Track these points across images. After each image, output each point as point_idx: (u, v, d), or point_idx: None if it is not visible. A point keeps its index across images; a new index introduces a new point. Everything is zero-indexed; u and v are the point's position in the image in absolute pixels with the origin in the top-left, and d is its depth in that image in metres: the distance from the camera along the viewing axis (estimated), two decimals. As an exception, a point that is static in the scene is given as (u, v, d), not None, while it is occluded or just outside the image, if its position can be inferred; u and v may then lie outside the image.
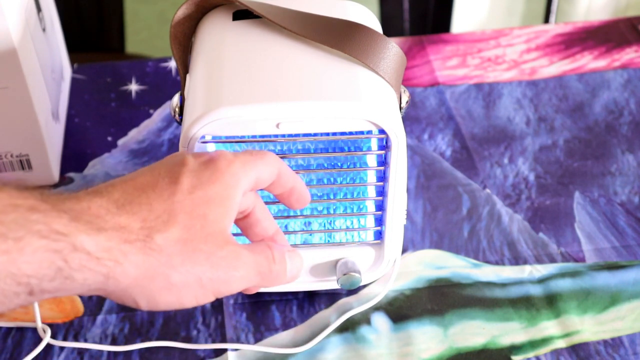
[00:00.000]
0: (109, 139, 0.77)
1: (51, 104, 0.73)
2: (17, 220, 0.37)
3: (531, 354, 0.59)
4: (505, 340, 0.60)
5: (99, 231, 0.39)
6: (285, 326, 0.61)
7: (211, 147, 0.52)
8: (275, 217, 0.57)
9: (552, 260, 0.66)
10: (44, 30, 0.74)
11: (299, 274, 0.48)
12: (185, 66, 0.60)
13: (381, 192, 0.57)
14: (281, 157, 0.54)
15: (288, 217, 0.57)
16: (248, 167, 0.45)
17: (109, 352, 0.59)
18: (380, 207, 0.57)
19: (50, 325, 0.61)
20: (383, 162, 0.55)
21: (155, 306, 0.42)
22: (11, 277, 0.37)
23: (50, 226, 0.38)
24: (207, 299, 0.43)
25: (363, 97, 0.51)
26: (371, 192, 0.57)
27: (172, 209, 0.42)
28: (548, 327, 0.60)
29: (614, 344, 0.59)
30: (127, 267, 0.40)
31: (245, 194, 0.46)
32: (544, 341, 0.60)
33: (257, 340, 0.60)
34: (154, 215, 0.41)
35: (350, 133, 0.53)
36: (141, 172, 0.44)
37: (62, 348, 0.59)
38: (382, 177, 0.56)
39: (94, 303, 0.63)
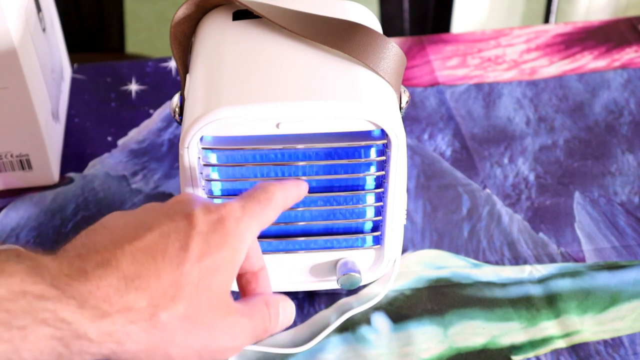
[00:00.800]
0: (109, 139, 0.77)
1: (51, 104, 0.73)
2: (24, 309, 0.38)
3: (531, 354, 0.59)
4: (505, 340, 0.60)
5: (104, 317, 0.39)
6: (285, 326, 0.61)
7: (213, 158, 0.52)
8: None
9: (552, 260, 0.66)
10: (44, 30, 0.74)
11: (290, 322, 0.50)
12: (185, 66, 0.60)
13: (381, 192, 0.56)
14: (282, 156, 0.54)
15: (288, 222, 0.57)
16: (254, 222, 0.46)
17: (109, 352, 0.59)
18: (380, 207, 0.57)
19: (50, 325, 0.60)
20: (383, 162, 0.55)
21: None
22: None
23: (57, 314, 0.38)
24: None
25: (363, 97, 0.51)
26: (371, 193, 0.57)
27: (179, 281, 0.41)
28: (548, 327, 0.60)
29: (614, 344, 0.59)
30: (129, 347, 0.41)
31: (248, 246, 0.46)
32: (544, 341, 0.60)
33: (257, 340, 0.60)
34: (161, 290, 0.41)
35: (350, 133, 0.53)
36: (148, 227, 0.43)
37: (62, 348, 0.59)
38: (382, 177, 0.56)
39: (94, 303, 0.63)
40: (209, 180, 0.54)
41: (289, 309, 0.50)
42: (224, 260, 0.43)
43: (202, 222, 0.43)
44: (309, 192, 0.56)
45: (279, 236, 0.58)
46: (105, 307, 0.39)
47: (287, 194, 0.49)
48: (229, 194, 0.55)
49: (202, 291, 0.42)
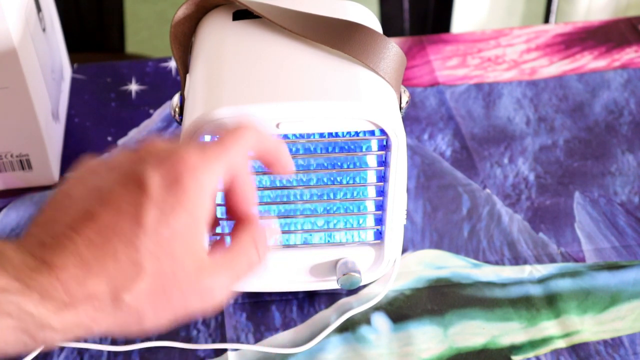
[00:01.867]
0: (109, 139, 0.77)
1: (51, 104, 0.73)
2: None
3: (531, 354, 0.59)
4: (505, 340, 0.60)
5: (67, 308, 0.39)
6: (285, 326, 0.61)
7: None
8: (276, 217, 0.57)
9: (552, 260, 0.66)
10: (44, 30, 0.74)
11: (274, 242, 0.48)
12: (185, 66, 0.60)
13: (381, 192, 0.57)
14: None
15: (288, 216, 0.57)
16: (216, 166, 0.42)
17: (109, 352, 0.59)
18: (380, 207, 0.57)
19: (50, 325, 0.61)
20: (383, 162, 0.55)
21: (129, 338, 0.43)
22: None
23: (20, 307, 0.38)
24: (182, 322, 0.44)
25: (363, 97, 0.51)
26: (371, 192, 0.57)
27: (137, 259, 0.40)
28: (548, 327, 0.60)
29: (614, 344, 0.59)
30: (96, 331, 0.41)
31: (216, 193, 0.43)
32: (544, 341, 0.60)
33: (257, 340, 0.60)
34: (120, 271, 0.40)
35: (350, 133, 0.53)
36: (103, 201, 0.41)
37: (62, 348, 0.59)
38: (382, 177, 0.56)
39: (94, 303, 0.63)
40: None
41: (274, 232, 0.47)
42: (183, 225, 0.41)
43: (155, 187, 0.40)
44: (309, 199, 0.56)
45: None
46: (67, 298, 0.39)
47: (261, 138, 0.45)
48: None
49: (166, 262, 0.40)
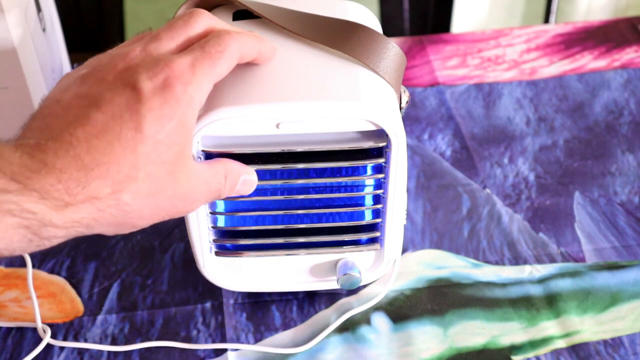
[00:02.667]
0: (109, 139, 0.77)
1: (51, 104, 0.73)
2: None
3: (531, 354, 0.59)
4: (505, 340, 0.60)
5: (68, 206, 0.40)
6: (285, 326, 0.61)
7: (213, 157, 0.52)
8: (276, 212, 0.57)
9: (552, 260, 0.66)
10: (44, 30, 0.74)
11: (249, 191, 0.52)
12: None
13: (381, 192, 0.56)
14: (282, 159, 0.54)
15: (289, 218, 0.57)
16: (205, 80, 0.45)
17: (109, 352, 0.59)
18: (381, 207, 0.57)
19: (50, 325, 0.61)
20: (383, 162, 0.55)
21: (119, 234, 0.46)
22: None
23: (21, 206, 0.39)
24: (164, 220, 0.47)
25: (363, 97, 0.51)
26: (371, 192, 0.57)
27: (138, 163, 0.42)
28: (548, 327, 0.60)
29: (614, 344, 0.59)
30: (97, 228, 0.43)
31: (203, 102, 0.46)
32: (544, 341, 0.60)
33: (257, 340, 0.60)
34: (123, 175, 0.42)
35: (350, 133, 0.53)
36: (95, 103, 0.42)
37: (62, 348, 0.59)
38: (382, 177, 0.56)
39: (94, 303, 0.63)
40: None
41: (249, 182, 0.51)
42: (176, 131, 0.43)
43: (150, 95, 0.43)
44: (308, 193, 0.56)
45: (279, 235, 0.58)
46: (68, 198, 0.40)
47: (244, 46, 0.48)
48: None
49: (160, 166, 0.43)
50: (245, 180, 0.51)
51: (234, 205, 0.56)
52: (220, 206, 0.56)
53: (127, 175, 0.42)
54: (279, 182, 0.54)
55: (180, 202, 0.46)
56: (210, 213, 0.55)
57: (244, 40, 0.48)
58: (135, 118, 0.42)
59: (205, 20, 0.48)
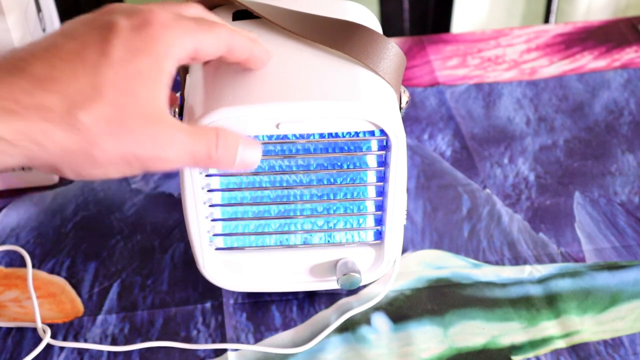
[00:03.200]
0: (109, 139, 0.77)
1: (51, 104, 0.73)
2: None
3: (531, 354, 0.59)
4: (505, 340, 0.60)
5: (14, 114, 0.39)
6: (285, 326, 0.61)
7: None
8: (276, 217, 0.57)
9: (552, 260, 0.66)
10: (44, 30, 0.74)
11: (254, 164, 0.47)
12: (185, 67, 0.60)
13: (381, 192, 0.57)
14: (282, 157, 0.54)
15: (288, 217, 0.57)
16: (187, 36, 0.44)
17: (109, 352, 0.59)
18: (380, 207, 0.57)
19: (50, 326, 0.61)
20: (383, 162, 0.55)
21: (81, 177, 0.43)
22: None
23: None
24: (133, 172, 0.43)
25: (363, 97, 0.51)
26: (371, 192, 0.57)
27: (98, 82, 0.40)
28: (548, 327, 0.60)
29: (614, 344, 0.59)
30: (50, 147, 0.40)
31: (180, 62, 0.44)
32: (544, 341, 0.60)
33: (257, 340, 0.60)
34: (76, 90, 0.40)
35: (350, 134, 0.53)
36: (68, 35, 0.42)
37: (62, 348, 0.59)
38: (382, 177, 0.56)
39: (94, 303, 0.63)
40: (209, 176, 0.54)
41: (253, 150, 0.47)
42: (147, 67, 0.42)
43: (124, 27, 0.42)
44: (309, 199, 0.56)
45: (279, 232, 0.58)
46: (13, 106, 0.39)
47: (234, 38, 0.47)
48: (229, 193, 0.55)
49: (127, 97, 0.41)
50: (245, 148, 0.46)
51: (233, 198, 0.56)
52: (217, 197, 0.56)
53: (87, 94, 0.40)
54: (278, 176, 0.54)
55: (150, 144, 0.42)
56: (210, 206, 0.55)
57: (236, 35, 0.47)
58: (103, 45, 0.41)
59: (199, 9, 0.48)
